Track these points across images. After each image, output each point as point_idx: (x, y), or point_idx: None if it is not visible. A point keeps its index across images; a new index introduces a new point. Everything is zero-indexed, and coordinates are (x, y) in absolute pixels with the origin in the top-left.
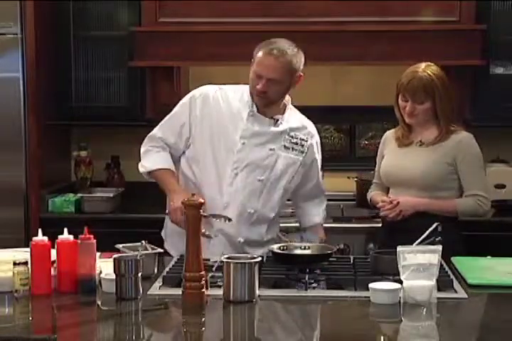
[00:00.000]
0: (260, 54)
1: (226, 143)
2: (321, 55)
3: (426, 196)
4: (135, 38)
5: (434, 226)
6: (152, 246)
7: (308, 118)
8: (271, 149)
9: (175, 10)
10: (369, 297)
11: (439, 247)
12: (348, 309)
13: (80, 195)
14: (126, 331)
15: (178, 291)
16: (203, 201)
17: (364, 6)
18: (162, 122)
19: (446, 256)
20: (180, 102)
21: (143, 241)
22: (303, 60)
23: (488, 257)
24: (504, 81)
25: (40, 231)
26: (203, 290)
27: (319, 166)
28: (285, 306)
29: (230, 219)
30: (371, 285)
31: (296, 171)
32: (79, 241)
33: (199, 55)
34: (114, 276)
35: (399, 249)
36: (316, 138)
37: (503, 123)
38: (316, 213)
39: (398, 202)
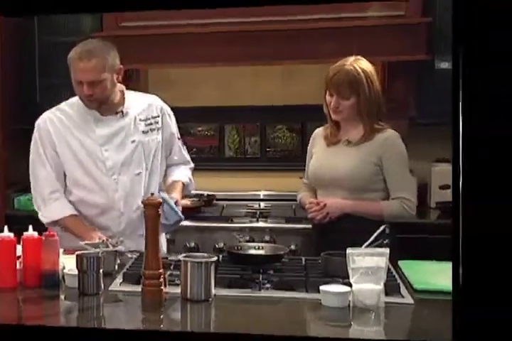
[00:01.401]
0: (72, 61)
1: (91, 157)
2: (270, 55)
3: (353, 198)
4: None
5: (381, 228)
6: (113, 243)
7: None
8: (133, 141)
9: (136, 14)
10: (320, 299)
11: (387, 250)
12: (299, 311)
13: None
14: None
15: (138, 288)
16: (161, 200)
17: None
18: (31, 163)
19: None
20: (32, 141)
21: (104, 239)
22: (116, 54)
23: (434, 261)
24: (449, 76)
25: (6, 227)
26: (162, 287)
27: (176, 134)
28: (240, 306)
29: (122, 241)
30: (322, 287)
31: (162, 147)
32: (43, 238)
33: (158, 58)
34: (76, 272)
35: (348, 251)
36: (165, 108)
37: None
38: (177, 174)
39: (325, 204)
